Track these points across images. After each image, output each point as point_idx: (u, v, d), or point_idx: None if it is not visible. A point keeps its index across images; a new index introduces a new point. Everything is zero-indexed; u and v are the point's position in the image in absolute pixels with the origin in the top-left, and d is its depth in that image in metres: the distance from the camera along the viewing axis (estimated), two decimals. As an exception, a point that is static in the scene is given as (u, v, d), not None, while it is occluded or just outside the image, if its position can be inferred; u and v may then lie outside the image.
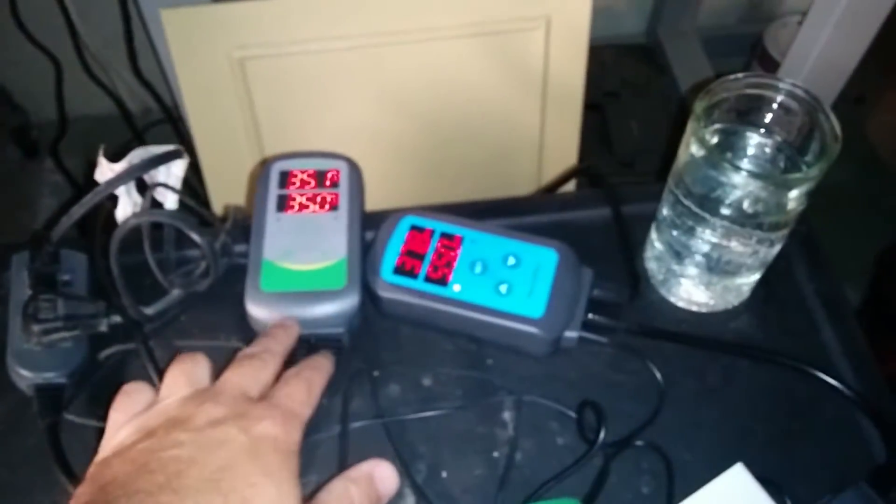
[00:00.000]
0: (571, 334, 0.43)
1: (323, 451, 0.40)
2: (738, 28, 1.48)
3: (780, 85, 0.37)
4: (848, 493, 0.37)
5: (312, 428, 0.41)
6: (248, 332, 0.43)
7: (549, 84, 0.86)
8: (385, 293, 0.43)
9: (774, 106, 0.38)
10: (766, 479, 0.39)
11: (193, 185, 0.82)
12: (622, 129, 1.34)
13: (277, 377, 0.38)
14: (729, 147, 0.40)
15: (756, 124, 0.39)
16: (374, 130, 0.85)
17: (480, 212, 0.50)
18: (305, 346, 0.42)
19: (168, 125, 1.18)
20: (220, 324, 0.45)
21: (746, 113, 0.39)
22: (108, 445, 0.33)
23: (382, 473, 0.35)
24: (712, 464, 0.40)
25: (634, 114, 1.37)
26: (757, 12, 1.44)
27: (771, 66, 1.29)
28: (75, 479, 0.37)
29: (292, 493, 0.31)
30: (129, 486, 0.29)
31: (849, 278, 1.17)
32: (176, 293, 0.43)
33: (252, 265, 0.43)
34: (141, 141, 1.18)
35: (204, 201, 0.83)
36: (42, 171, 1.25)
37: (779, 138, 0.39)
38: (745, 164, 0.39)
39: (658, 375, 0.43)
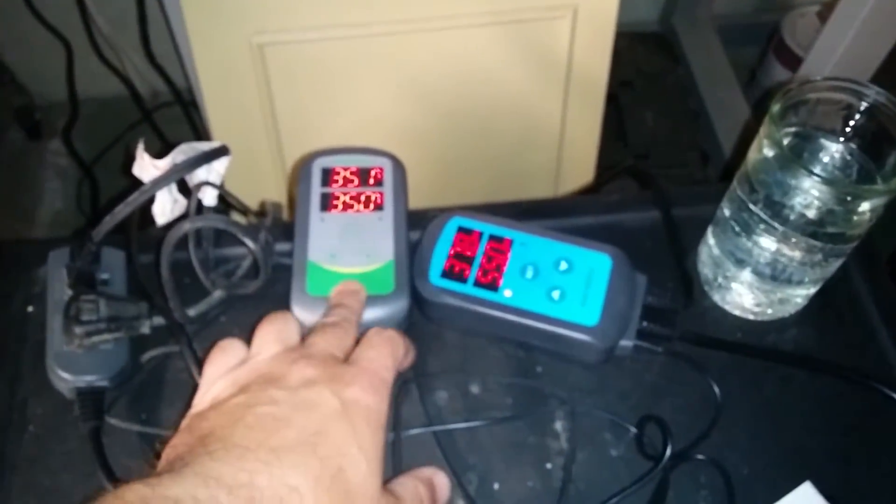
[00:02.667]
0: (627, 343, 0.42)
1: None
2: (755, 17, 1.46)
3: (865, 91, 0.36)
4: (916, 513, 0.36)
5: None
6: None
7: (572, 75, 0.85)
8: (434, 298, 0.42)
9: (855, 112, 0.37)
10: (830, 497, 0.38)
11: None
12: (637, 119, 1.32)
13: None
14: (802, 152, 0.39)
15: (833, 130, 0.38)
16: (392, 120, 0.83)
17: (525, 212, 0.48)
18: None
19: (176, 108, 1.15)
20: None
21: (824, 117, 0.38)
22: (203, 399, 0.33)
23: (441, 481, 0.36)
24: (772, 479, 0.39)
25: (649, 104, 1.35)
26: (773, 1, 1.41)
27: (788, 56, 1.27)
28: (118, 483, 0.36)
29: (379, 471, 0.31)
30: (227, 439, 0.29)
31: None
32: (218, 294, 0.41)
33: (297, 267, 0.41)
34: (150, 124, 1.16)
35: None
36: (45, 153, 1.22)
37: (855, 146, 0.38)
38: (818, 170, 0.37)
39: (715, 387, 0.42)
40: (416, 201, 0.47)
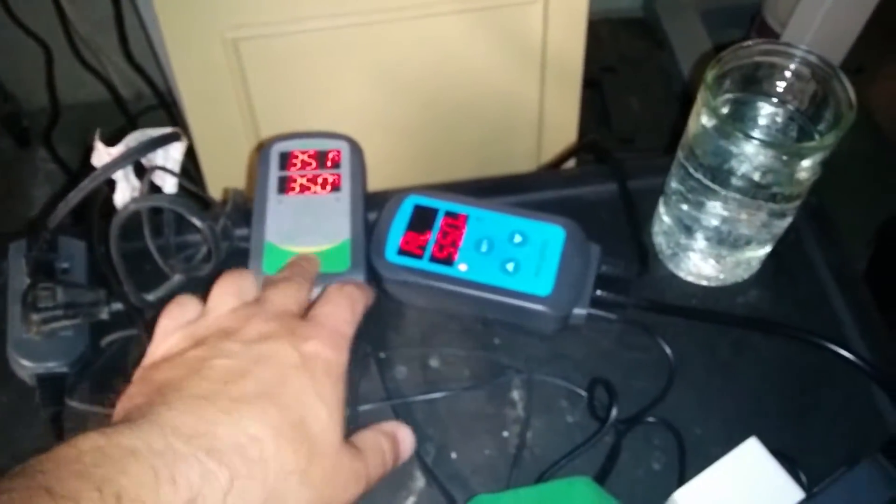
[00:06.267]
0: (580, 311, 0.42)
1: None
2: (738, 0, 1.46)
3: (793, 52, 0.36)
4: (863, 465, 0.36)
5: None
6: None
7: (547, 59, 0.85)
8: (390, 274, 0.43)
9: (787, 74, 0.37)
10: (779, 453, 0.38)
11: (188, 169, 0.81)
12: (621, 104, 1.33)
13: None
14: (740, 117, 0.40)
15: (768, 93, 0.38)
16: (371, 109, 0.84)
17: (484, 189, 0.49)
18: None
19: (162, 110, 1.16)
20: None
21: (758, 81, 0.38)
22: (156, 351, 0.33)
23: (404, 435, 0.36)
24: (724, 439, 0.39)
25: (633, 89, 1.36)
26: (756, -17, 1.41)
27: (770, 36, 1.27)
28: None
29: (340, 423, 0.32)
30: (183, 389, 0.29)
31: (853, 251, 1.16)
32: (177, 278, 0.42)
33: (254, 248, 0.42)
34: (134, 127, 1.16)
35: (199, 184, 0.82)
36: (35, 159, 1.23)
37: (791, 107, 0.38)
38: (757, 133, 0.38)
39: (668, 351, 0.42)
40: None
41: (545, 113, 0.92)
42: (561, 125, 0.93)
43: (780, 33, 1.23)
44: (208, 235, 0.39)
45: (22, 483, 0.23)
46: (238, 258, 0.44)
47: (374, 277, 0.43)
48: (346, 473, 0.31)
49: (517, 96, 0.89)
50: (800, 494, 0.36)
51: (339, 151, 0.46)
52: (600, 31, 1.36)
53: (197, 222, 0.38)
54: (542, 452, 0.40)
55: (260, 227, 0.43)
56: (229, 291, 0.35)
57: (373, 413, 0.41)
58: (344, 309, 0.36)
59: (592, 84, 1.30)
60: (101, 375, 0.41)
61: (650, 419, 0.40)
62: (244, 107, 0.83)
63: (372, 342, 0.43)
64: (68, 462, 0.24)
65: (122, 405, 0.30)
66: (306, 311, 0.36)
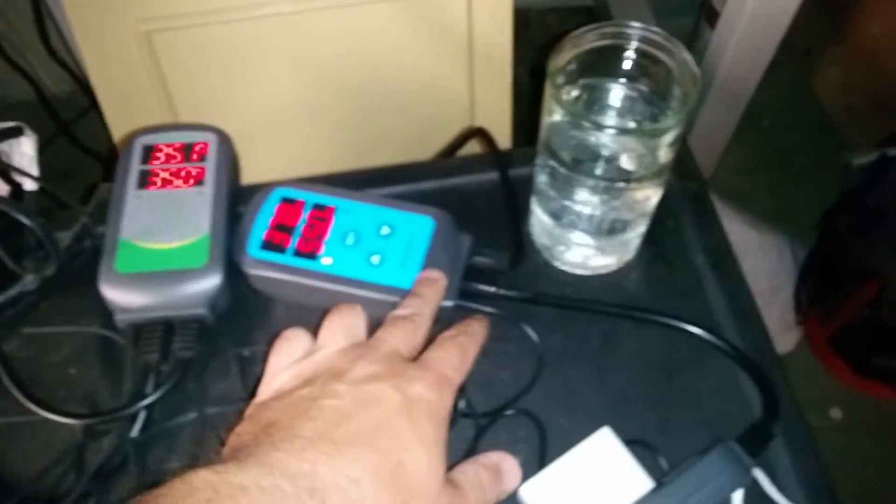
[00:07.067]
0: (447, 303, 0.41)
1: (187, 434, 0.39)
2: (686, -13, 1.45)
3: (631, 31, 0.35)
4: (715, 452, 0.35)
5: (174, 411, 0.40)
6: (110, 316, 0.41)
7: (475, 49, 0.84)
8: (252, 270, 0.42)
9: (630, 54, 0.36)
10: (639, 441, 0.38)
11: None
12: (567, 94, 1.32)
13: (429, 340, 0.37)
14: (594, 102, 0.39)
15: (616, 75, 0.38)
16: (297, 100, 0.82)
17: (364, 181, 0.48)
18: (164, 328, 0.40)
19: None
20: (82, 308, 0.43)
21: (605, 64, 0.37)
22: (267, 389, 0.33)
23: (510, 468, 0.35)
24: (589, 429, 0.39)
25: (580, 79, 1.35)
26: (704, -29, 1.41)
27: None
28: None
29: (441, 465, 0.31)
30: (290, 430, 0.29)
31: (799, 236, 1.17)
32: (30, 279, 0.41)
33: (108, 245, 0.41)
34: (63, 127, 1.14)
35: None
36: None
37: (643, 87, 0.37)
38: (612, 117, 0.37)
39: (535, 340, 0.42)
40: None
41: (476, 102, 0.91)
42: (493, 114, 0.92)
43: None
44: (41, 234, 0.38)
45: None
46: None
47: (240, 273, 0.42)
48: None
49: (447, 85, 0.87)
50: (650, 484, 0.35)
51: (206, 144, 0.45)
52: (548, 20, 1.35)
53: (25, 221, 0.37)
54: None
55: (115, 223, 0.42)
56: (339, 330, 0.36)
57: (227, 415, 0.40)
58: (454, 356, 0.35)
59: (539, 73, 1.29)
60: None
61: (509, 412, 0.39)
62: (162, 101, 0.81)
63: (236, 340, 0.42)
64: (182, 497, 0.26)
65: (231, 442, 0.31)
66: (419, 354, 0.36)
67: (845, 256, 1.05)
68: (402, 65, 0.83)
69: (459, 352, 0.36)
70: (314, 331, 0.37)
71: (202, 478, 0.26)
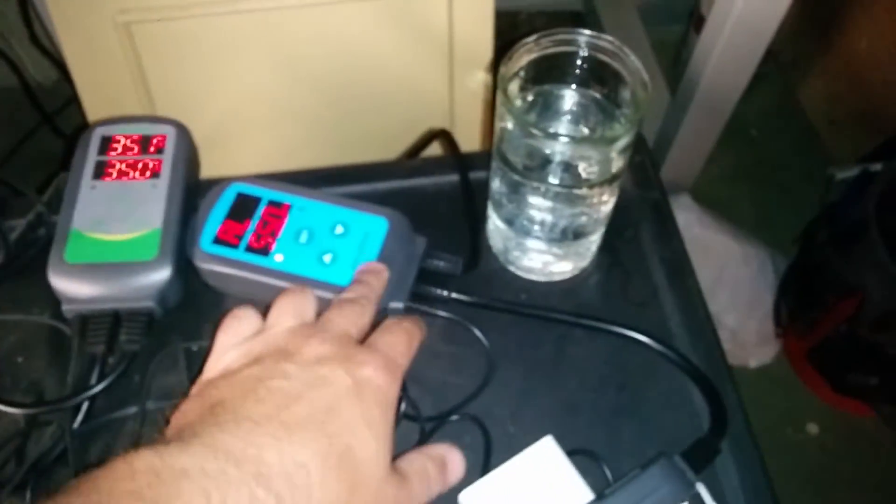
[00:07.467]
0: (397, 305, 0.41)
1: (128, 428, 0.39)
2: (678, -4, 1.45)
3: (580, 38, 0.35)
4: (657, 465, 0.35)
5: (117, 404, 0.40)
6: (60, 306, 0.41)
7: (454, 49, 0.84)
8: (202, 264, 0.41)
9: (580, 61, 0.36)
10: (586, 451, 0.38)
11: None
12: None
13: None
14: (547, 109, 0.38)
15: (567, 82, 0.37)
16: (275, 96, 0.82)
17: (323, 179, 0.47)
18: (111, 320, 0.40)
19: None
20: (32, 297, 0.42)
21: (557, 71, 0.37)
22: (214, 367, 0.33)
23: (455, 460, 0.35)
24: (536, 437, 0.38)
25: (570, 84, 1.34)
26: (696, -21, 1.41)
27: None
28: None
29: (387, 451, 0.31)
30: (237, 411, 0.29)
31: (780, 248, 1.16)
32: (-19, 265, 0.40)
33: (59, 235, 0.41)
34: (45, 116, 1.13)
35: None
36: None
37: (595, 93, 0.37)
38: (565, 123, 0.37)
39: (486, 345, 0.41)
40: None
41: (455, 103, 0.90)
42: (472, 116, 0.92)
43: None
44: (-15, 221, 0.37)
45: (80, 502, 0.24)
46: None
47: (188, 267, 0.42)
48: (388, 502, 0.31)
49: (426, 86, 0.87)
50: (590, 495, 0.35)
51: (164, 136, 0.45)
52: (536, 23, 1.35)
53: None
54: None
55: (68, 213, 0.41)
56: (289, 309, 0.35)
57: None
58: (401, 341, 0.35)
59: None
60: None
61: (454, 417, 0.39)
62: (141, 93, 0.80)
63: (186, 334, 0.42)
64: (122, 480, 0.25)
65: (176, 420, 0.30)
66: (365, 338, 0.35)
67: (825, 271, 1.05)
68: (381, 64, 0.83)
69: (406, 337, 0.36)
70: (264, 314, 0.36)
71: (144, 460, 0.26)
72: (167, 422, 0.30)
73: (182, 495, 0.25)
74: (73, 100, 1.12)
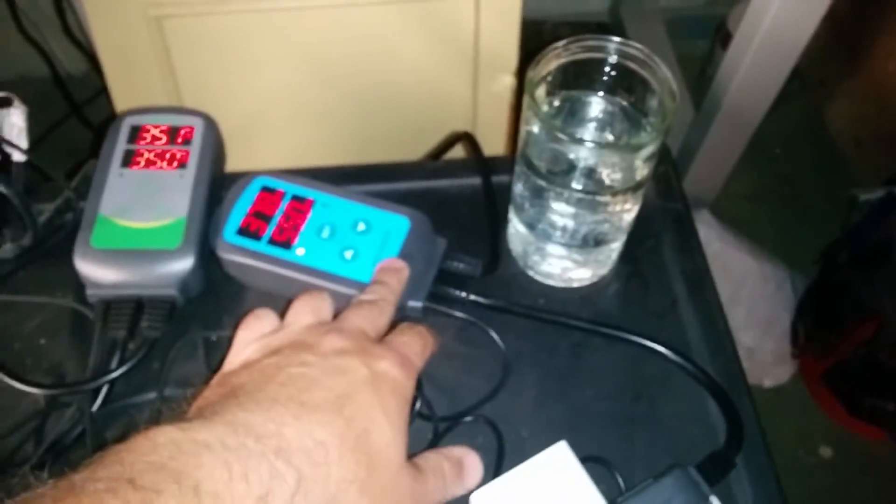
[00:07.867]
0: (415, 304, 0.41)
1: (146, 414, 0.39)
2: (705, 10, 1.45)
3: (609, 45, 0.35)
4: (671, 476, 0.35)
5: (136, 389, 0.40)
6: (84, 290, 0.41)
7: (480, 54, 0.84)
8: (225, 254, 0.42)
9: (608, 68, 0.36)
10: (599, 458, 0.38)
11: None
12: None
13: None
14: (574, 114, 0.39)
15: (595, 89, 0.37)
16: (299, 94, 0.83)
17: (346, 176, 0.48)
18: (134, 306, 0.40)
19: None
20: (57, 280, 0.43)
21: (587, 78, 0.37)
22: (235, 360, 0.34)
23: (472, 463, 0.35)
24: (549, 441, 0.38)
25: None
26: (723, -6, 1.41)
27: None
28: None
29: (403, 442, 0.32)
30: (257, 392, 0.29)
31: (800, 268, 1.15)
32: (8, 248, 0.41)
33: (86, 220, 0.41)
34: (74, 106, 1.14)
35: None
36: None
37: (622, 100, 0.37)
38: (591, 130, 0.37)
39: (502, 348, 0.41)
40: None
41: (479, 107, 0.91)
42: (495, 122, 0.92)
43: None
44: (18, 205, 0.38)
45: (104, 474, 0.24)
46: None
47: (211, 258, 0.42)
48: (404, 491, 0.31)
49: (450, 89, 0.87)
50: (602, 503, 0.35)
51: (192, 128, 0.45)
52: (561, 33, 1.35)
53: (3, 190, 0.37)
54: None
55: (95, 199, 0.42)
56: (306, 310, 0.36)
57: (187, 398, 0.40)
58: (416, 341, 0.36)
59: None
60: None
61: (468, 418, 0.39)
62: (169, 86, 0.82)
63: (206, 324, 0.42)
64: (144, 453, 0.25)
65: (198, 404, 0.30)
66: (381, 338, 0.36)
67: (845, 292, 1.04)
68: (406, 67, 0.84)
69: (421, 339, 0.36)
70: (282, 316, 0.37)
71: (166, 434, 0.26)
72: (188, 406, 0.31)
73: (203, 466, 0.25)
74: (103, 91, 1.14)
